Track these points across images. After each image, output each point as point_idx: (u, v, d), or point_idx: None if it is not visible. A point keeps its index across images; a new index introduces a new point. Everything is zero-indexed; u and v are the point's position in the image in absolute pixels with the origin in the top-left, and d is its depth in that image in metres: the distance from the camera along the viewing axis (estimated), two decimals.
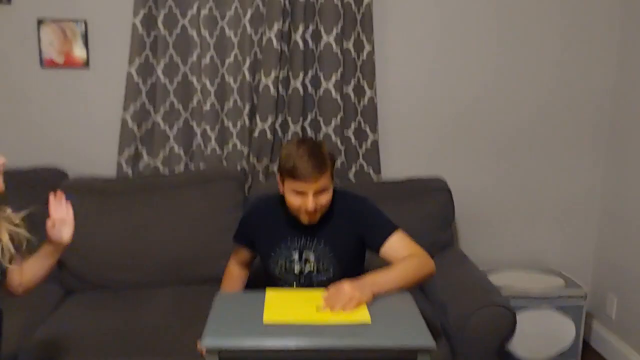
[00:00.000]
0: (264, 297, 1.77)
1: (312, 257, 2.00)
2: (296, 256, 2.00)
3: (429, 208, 2.63)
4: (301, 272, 2.01)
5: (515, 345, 2.64)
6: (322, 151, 1.89)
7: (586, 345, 2.89)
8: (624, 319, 2.77)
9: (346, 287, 1.69)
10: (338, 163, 2.73)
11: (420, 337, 1.57)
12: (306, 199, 1.85)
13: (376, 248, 1.95)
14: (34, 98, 2.69)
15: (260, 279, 2.24)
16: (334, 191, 2.01)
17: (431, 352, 1.56)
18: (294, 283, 2.03)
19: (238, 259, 2.18)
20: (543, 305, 2.63)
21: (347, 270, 2.00)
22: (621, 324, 2.79)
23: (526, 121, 2.89)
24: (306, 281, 2.02)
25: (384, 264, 1.90)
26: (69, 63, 2.66)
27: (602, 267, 2.97)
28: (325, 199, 1.90)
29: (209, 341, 1.54)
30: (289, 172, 1.84)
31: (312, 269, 2.01)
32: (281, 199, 2.00)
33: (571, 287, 2.69)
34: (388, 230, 1.95)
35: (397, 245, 1.92)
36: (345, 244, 2.00)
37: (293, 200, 1.88)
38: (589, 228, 3.00)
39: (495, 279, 2.63)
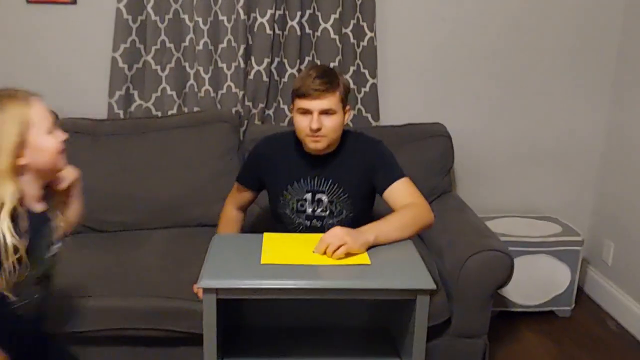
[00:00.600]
0: (262, 239, 1.74)
1: (325, 199, 1.97)
2: (309, 196, 1.97)
3: (429, 153, 2.59)
4: (313, 213, 1.98)
5: (510, 290, 2.65)
6: (335, 74, 1.88)
7: (580, 291, 2.91)
8: (620, 265, 2.78)
9: (338, 232, 1.66)
10: None
11: (419, 278, 1.56)
12: (311, 117, 1.82)
13: (381, 190, 1.94)
14: (20, 35, 2.59)
15: (262, 225, 2.22)
16: (348, 132, 1.99)
17: (431, 294, 1.55)
18: (305, 224, 2.00)
19: (237, 202, 2.12)
20: (539, 251, 2.63)
21: (358, 214, 1.98)
22: (617, 270, 2.80)
23: (527, 66, 2.82)
24: (318, 222, 1.99)
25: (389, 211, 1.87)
26: None
27: (600, 213, 2.96)
28: (331, 122, 1.85)
29: (206, 281, 1.52)
30: (297, 91, 1.84)
31: (324, 210, 1.98)
32: (294, 136, 1.96)
33: (568, 233, 2.69)
34: (396, 174, 1.94)
35: (401, 190, 1.91)
36: (358, 185, 1.97)
37: (299, 121, 1.86)
38: (588, 175, 2.98)
39: (493, 225, 2.61)
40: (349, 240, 1.64)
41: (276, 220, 2.07)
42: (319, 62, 2.64)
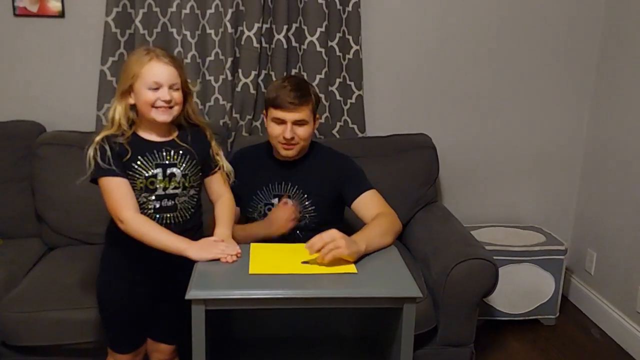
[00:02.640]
0: (249, 249, 1.76)
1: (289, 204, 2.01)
2: (275, 201, 2.03)
3: (414, 164, 2.62)
4: None
5: (496, 299, 2.68)
6: (307, 86, 1.98)
7: (564, 299, 2.95)
8: (603, 274, 2.82)
9: (335, 234, 1.68)
10: (323, 118, 2.70)
11: (406, 286, 1.57)
12: (285, 127, 1.92)
13: (350, 200, 2.01)
14: (7, 48, 2.60)
15: None
16: (318, 145, 2.09)
17: (417, 302, 1.57)
18: None
19: None
20: (524, 260, 2.66)
21: (322, 221, 2.01)
22: (600, 279, 2.84)
23: (510, 78, 2.88)
24: None
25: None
26: (43, 12, 2.56)
27: (582, 223, 3.01)
28: (303, 132, 1.95)
29: (195, 293, 1.52)
30: (272, 101, 1.93)
31: None
32: (267, 145, 2.05)
33: (551, 243, 2.73)
34: (364, 186, 2.02)
35: (370, 201, 1.99)
36: (323, 193, 2.03)
37: (273, 129, 1.96)
38: (569, 184, 3.03)
39: (477, 234, 2.65)
40: (342, 244, 1.65)
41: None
42: (305, 75, 2.67)
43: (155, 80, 1.66)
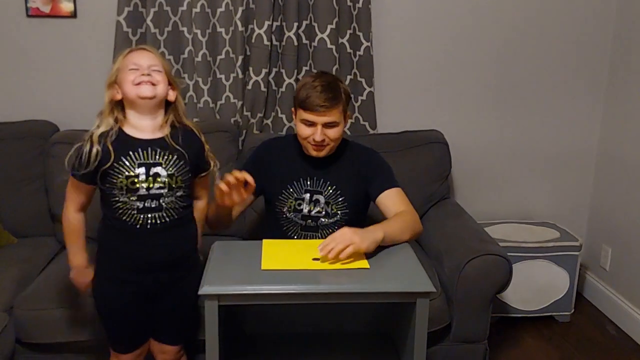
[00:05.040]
0: (261, 245, 1.76)
1: (322, 200, 2.00)
2: (307, 196, 2.01)
3: (426, 160, 2.61)
4: (309, 212, 2.01)
5: (510, 296, 2.66)
6: (338, 86, 1.92)
7: (579, 296, 2.92)
8: (618, 270, 2.79)
9: (346, 232, 1.68)
10: None
11: (419, 281, 1.57)
12: (315, 129, 1.88)
13: (375, 195, 1.99)
14: (20, 48, 2.62)
15: (260, 230, 2.22)
16: (345, 140, 2.05)
17: (431, 297, 1.56)
18: (301, 224, 2.02)
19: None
20: (538, 256, 2.64)
21: (352, 217, 2.01)
22: (615, 275, 2.81)
23: (522, 73, 2.86)
24: (313, 222, 2.02)
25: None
26: (56, 12, 2.58)
27: (597, 218, 2.98)
28: (334, 133, 1.92)
29: (208, 288, 1.53)
30: (301, 103, 1.88)
31: (320, 211, 2.01)
32: (295, 139, 2.02)
33: (566, 239, 2.70)
34: (390, 183, 2.00)
35: (394, 197, 1.97)
36: (354, 190, 2.02)
37: (302, 130, 1.92)
38: (584, 180, 3.00)
39: (491, 231, 2.62)
40: (357, 240, 1.65)
41: (270, 220, 2.09)
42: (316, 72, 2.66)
43: (134, 61, 1.68)
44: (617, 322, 2.76)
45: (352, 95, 2.70)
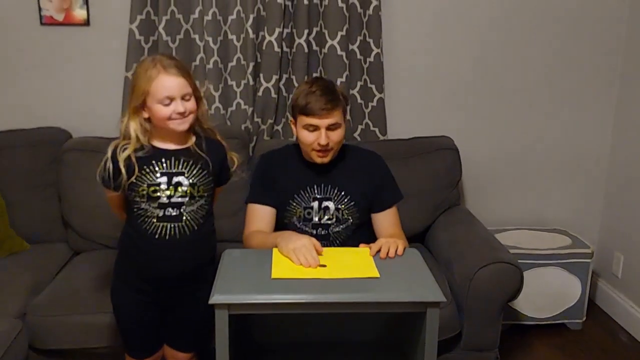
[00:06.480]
0: (271, 254, 1.76)
1: (331, 206, 2.01)
2: (315, 205, 2.01)
3: (436, 167, 2.60)
4: (319, 221, 2.02)
5: (521, 303, 2.65)
6: (335, 88, 1.94)
7: (591, 303, 2.90)
8: (630, 277, 2.77)
9: (389, 238, 1.80)
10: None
11: (429, 290, 1.56)
12: (319, 134, 1.89)
13: (379, 209, 2.03)
14: (34, 56, 2.65)
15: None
16: (345, 145, 2.05)
17: (441, 307, 1.56)
18: (311, 233, 2.01)
19: (263, 223, 2.02)
20: (549, 263, 2.63)
21: (362, 222, 2.02)
22: (627, 283, 2.79)
23: (533, 78, 2.85)
24: (324, 230, 2.02)
25: None
26: (69, 20, 2.60)
27: (609, 225, 2.96)
28: (337, 136, 1.93)
29: (218, 297, 1.53)
30: (302, 109, 1.89)
31: (331, 217, 2.01)
32: (295, 148, 2.02)
33: (578, 246, 2.68)
34: (395, 197, 2.06)
35: (392, 219, 2.05)
36: (362, 193, 2.02)
37: (306, 136, 1.92)
38: (596, 187, 2.98)
39: (502, 238, 2.62)
40: (400, 243, 1.77)
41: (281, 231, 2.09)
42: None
43: (167, 95, 1.65)
44: (630, 329, 2.73)
45: (359, 103, 2.73)
